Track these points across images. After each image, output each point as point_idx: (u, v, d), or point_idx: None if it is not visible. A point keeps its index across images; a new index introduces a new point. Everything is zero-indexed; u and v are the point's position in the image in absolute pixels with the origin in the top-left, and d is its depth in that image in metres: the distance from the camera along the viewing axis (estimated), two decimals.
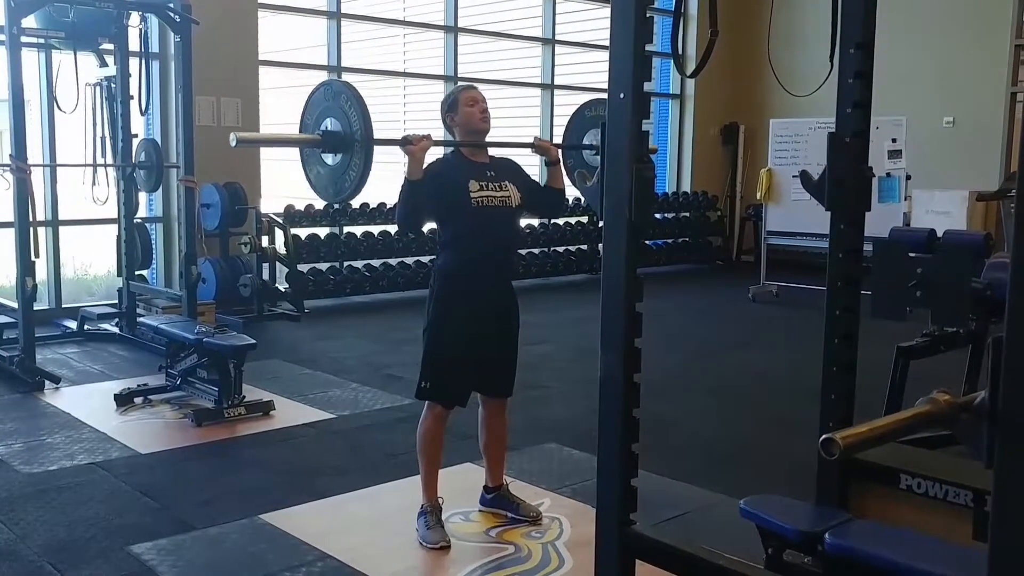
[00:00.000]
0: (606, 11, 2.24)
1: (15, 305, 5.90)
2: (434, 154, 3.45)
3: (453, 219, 3.39)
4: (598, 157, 4.07)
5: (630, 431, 2.30)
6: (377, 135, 3.21)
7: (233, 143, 3.27)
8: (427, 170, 3.36)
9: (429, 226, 3.58)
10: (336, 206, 8.79)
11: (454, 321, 3.40)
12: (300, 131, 3.40)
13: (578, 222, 10.74)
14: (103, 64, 6.88)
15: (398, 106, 12.93)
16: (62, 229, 7.64)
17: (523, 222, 9.60)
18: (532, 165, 3.66)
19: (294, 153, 3.54)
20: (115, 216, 7.14)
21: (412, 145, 3.26)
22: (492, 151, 3.54)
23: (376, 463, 4.35)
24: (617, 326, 2.27)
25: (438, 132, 3.57)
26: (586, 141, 4.11)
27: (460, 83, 3.67)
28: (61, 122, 7.24)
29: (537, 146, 3.60)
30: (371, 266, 9.01)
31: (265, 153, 8.57)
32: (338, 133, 3.26)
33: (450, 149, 3.55)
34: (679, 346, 6.97)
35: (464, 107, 3.43)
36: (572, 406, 5.31)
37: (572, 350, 6.80)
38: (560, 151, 3.74)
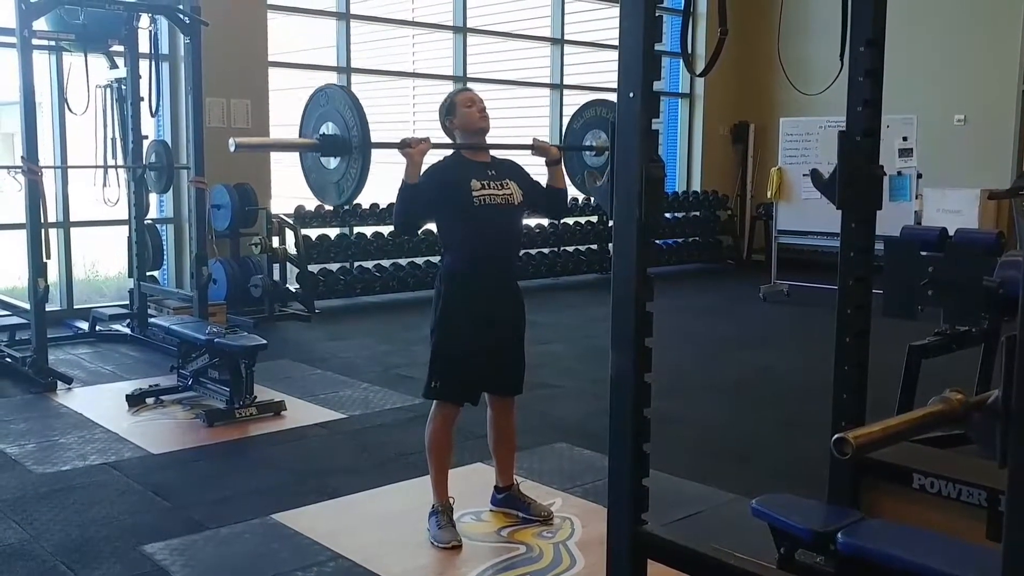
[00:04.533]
0: (615, 10, 2.25)
1: (27, 306, 5.93)
2: (434, 156, 3.43)
3: (456, 218, 3.39)
4: (598, 158, 4.11)
5: (641, 430, 2.30)
6: (387, 136, 3.22)
7: (232, 148, 3.31)
8: (428, 171, 3.36)
9: (429, 229, 3.58)
10: (346, 207, 8.81)
11: (461, 320, 3.40)
12: (300, 135, 3.43)
13: (587, 222, 10.72)
14: (113, 66, 6.91)
15: (407, 106, 12.96)
16: (73, 230, 7.68)
17: (530, 221, 9.67)
18: (534, 165, 3.65)
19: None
20: (126, 217, 7.17)
21: (411, 148, 3.26)
22: (492, 152, 3.53)
23: (387, 463, 4.36)
24: (628, 326, 2.27)
25: (440, 135, 3.56)
26: (586, 142, 4.13)
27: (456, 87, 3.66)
28: (72, 124, 7.29)
29: (536, 147, 3.60)
30: (381, 266, 9.02)
31: (275, 154, 8.58)
32: (336, 137, 3.28)
33: (450, 151, 3.54)
34: (690, 345, 6.96)
35: (462, 108, 3.43)
36: (582, 406, 5.30)
37: (582, 349, 6.80)
38: (561, 151, 3.74)
